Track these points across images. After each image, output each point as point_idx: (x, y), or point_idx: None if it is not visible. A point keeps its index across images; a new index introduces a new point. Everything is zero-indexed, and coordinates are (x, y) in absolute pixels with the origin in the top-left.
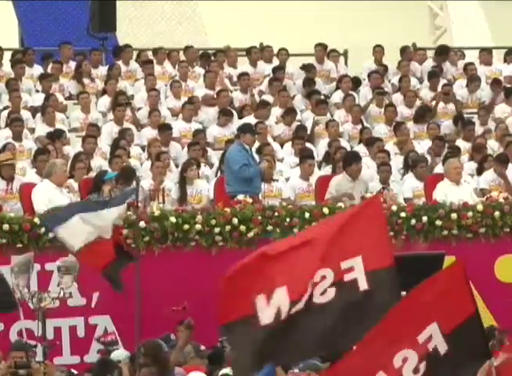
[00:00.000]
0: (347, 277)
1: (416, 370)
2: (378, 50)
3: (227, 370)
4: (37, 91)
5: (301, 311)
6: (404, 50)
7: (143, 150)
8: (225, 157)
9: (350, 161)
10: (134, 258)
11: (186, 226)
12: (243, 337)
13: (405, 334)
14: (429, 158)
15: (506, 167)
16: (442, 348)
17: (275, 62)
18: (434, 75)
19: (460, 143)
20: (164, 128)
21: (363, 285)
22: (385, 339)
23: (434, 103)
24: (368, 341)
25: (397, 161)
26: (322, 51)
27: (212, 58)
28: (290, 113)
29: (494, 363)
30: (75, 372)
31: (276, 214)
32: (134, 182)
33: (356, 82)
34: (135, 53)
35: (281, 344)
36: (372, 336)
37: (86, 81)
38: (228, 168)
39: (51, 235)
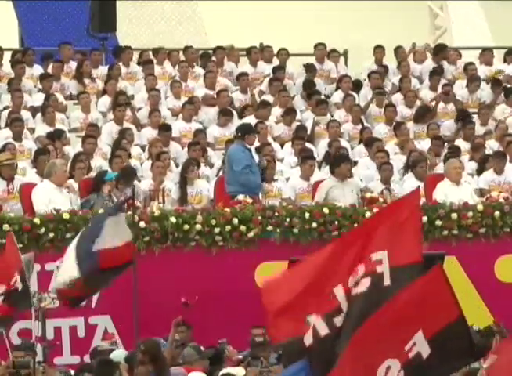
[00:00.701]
0: (379, 269)
1: None
2: (379, 51)
3: (227, 370)
4: (39, 89)
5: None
6: (397, 50)
7: (143, 150)
8: (227, 156)
9: (338, 162)
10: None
11: (186, 226)
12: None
13: (391, 344)
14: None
15: (505, 162)
16: (425, 352)
17: (276, 62)
18: (435, 74)
19: (460, 143)
20: (164, 129)
21: (387, 280)
22: (370, 350)
23: (434, 103)
24: (352, 352)
25: (396, 161)
26: (323, 51)
27: (213, 58)
28: (290, 113)
29: (484, 365)
30: (72, 372)
31: (276, 214)
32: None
33: (357, 84)
34: (134, 54)
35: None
36: (356, 346)
37: (86, 81)
38: (230, 168)
39: (51, 235)
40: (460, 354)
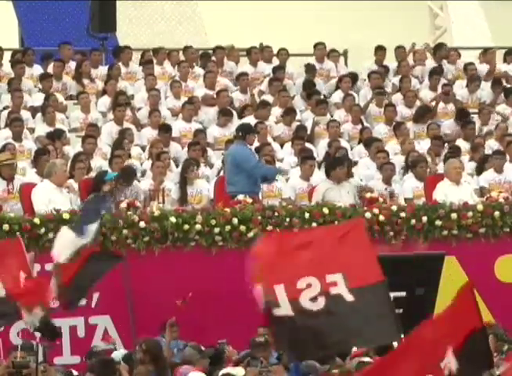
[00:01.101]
0: (333, 291)
1: None
2: (380, 53)
3: (227, 370)
4: (39, 89)
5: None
6: (397, 50)
7: (143, 151)
8: (231, 156)
9: (334, 166)
10: (121, 259)
11: (186, 226)
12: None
13: (427, 361)
14: (429, 158)
15: (504, 161)
16: (454, 366)
17: (275, 62)
18: (435, 73)
19: (460, 143)
20: (164, 129)
21: (349, 298)
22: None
23: (434, 103)
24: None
25: (396, 161)
26: (323, 50)
27: (213, 58)
28: (289, 113)
29: (497, 372)
30: (75, 373)
31: (276, 214)
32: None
33: (354, 78)
34: (134, 54)
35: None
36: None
37: (86, 81)
38: (237, 167)
39: (51, 235)
40: (481, 364)
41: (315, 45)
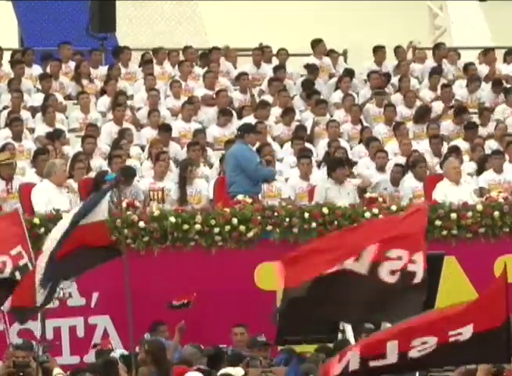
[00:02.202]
0: (410, 268)
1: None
2: (381, 54)
3: (227, 370)
4: (38, 89)
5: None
6: (396, 50)
7: (143, 150)
8: (233, 156)
9: (333, 167)
10: (119, 252)
11: (186, 226)
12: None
13: (439, 325)
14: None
15: (503, 161)
16: (464, 338)
17: (275, 62)
18: (435, 73)
19: (460, 143)
20: (164, 129)
21: (418, 279)
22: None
23: (433, 103)
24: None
25: (396, 161)
26: (323, 47)
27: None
28: (288, 112)
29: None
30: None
31: (276, 214)
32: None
33: (350, 72)
34: (134, 54)
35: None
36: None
37: (85, 82)
38: (238, 168)
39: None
40: (497, 355)
41: (314, 42)
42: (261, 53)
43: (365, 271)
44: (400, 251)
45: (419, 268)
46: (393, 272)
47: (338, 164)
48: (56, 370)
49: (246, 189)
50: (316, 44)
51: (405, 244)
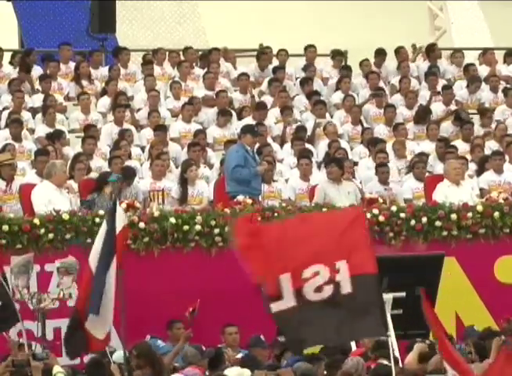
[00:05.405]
0: (338, 277)
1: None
2: (381, 55)
3: (226, 370)
4: (38, 90)
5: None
6: (397, 51)
7: (143, 151)
8: (226, 157)
9: (326, 165)
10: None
11: (186, 227)
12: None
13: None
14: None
15: (503, 161)
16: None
17: (275, 62)
18: (430, 74)
19: (460, 144)
20: (160, 129)
21: (346, 288)
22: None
23: (432, 104)
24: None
25: (396, 162)
26: (313, 53)
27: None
28: (285, 111)
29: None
30: None
31: (276, 214)
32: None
33: (346, 68)
34: (134, 55)
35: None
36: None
37: (85, 82)
38: (225, 169)
39: (50, 236)
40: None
41: (306, 48)
42: (266, 56)
43: (295, 302)
44: (316, 267)
45: (344, 277)
46: (319, 289)
47: (330, 162)
48: (56, 369)
49: (239, 189)
50: (306, 49)
51: (322, 258)
